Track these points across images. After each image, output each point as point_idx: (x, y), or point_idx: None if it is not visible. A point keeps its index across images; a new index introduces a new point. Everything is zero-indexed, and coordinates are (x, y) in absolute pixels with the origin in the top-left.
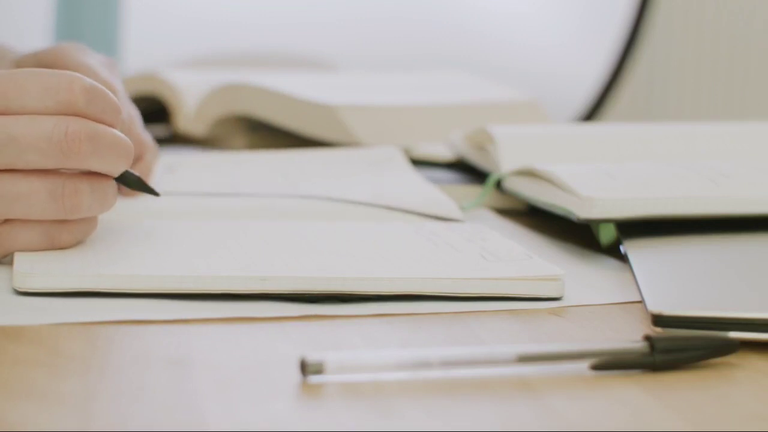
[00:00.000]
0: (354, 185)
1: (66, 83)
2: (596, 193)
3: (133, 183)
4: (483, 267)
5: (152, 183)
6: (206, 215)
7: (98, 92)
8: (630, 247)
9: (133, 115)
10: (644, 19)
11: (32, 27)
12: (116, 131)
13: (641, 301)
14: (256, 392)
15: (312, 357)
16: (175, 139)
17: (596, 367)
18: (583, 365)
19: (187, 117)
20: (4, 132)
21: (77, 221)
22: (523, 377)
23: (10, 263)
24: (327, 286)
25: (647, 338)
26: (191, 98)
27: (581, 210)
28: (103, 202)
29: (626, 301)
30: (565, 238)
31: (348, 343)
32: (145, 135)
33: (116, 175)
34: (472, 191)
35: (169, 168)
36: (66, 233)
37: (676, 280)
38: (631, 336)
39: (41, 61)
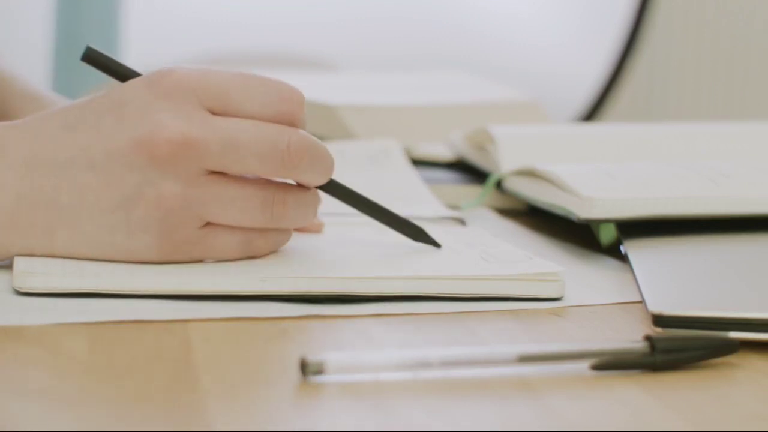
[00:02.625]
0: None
1: (288, 93)
2: (596, 193)
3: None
4: (483, 267)
5: None
6: None
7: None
8: (630, 247)
9: None
10: (644, 19)
11: (32, 27)
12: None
13: (641, 301)
14: (256, 392)
15: (312, 357)
16: None
17: (596, 367)
18: (583, 365)
19: None
20: (230, 135)
21: (274, 231)
22: (523, 377)
23: (10, 263)
24: (327, 287)
25: (647, 338)
26: None
27: (581, 210)
28: (305, 214)
29: (626, 301)
30: (565, 238)
31: (348, 343)
32: None
33: (316, 185)
34: (472, 191)
35: None
36: (262, 241)
37: (676, 280)
38: (631, 336)
39: None
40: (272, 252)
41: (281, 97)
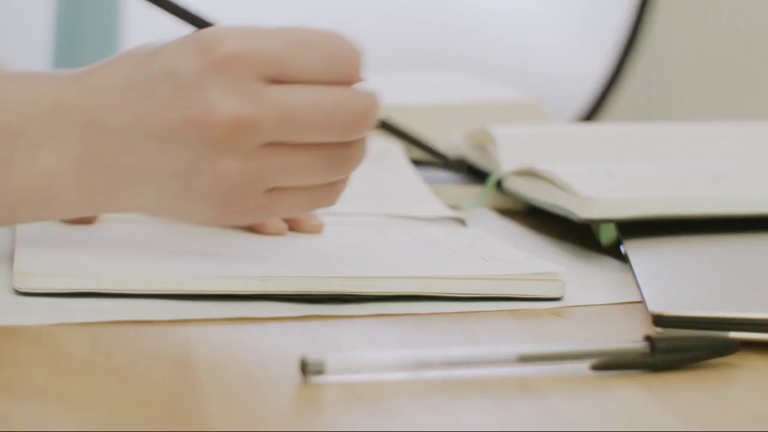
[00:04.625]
0: (352, 196)
1: (347, 53)
2: (596, 193)
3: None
4: (483, 267)
5: None
6: None
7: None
8: (630, 247)
9: None
10: (644, 19)
11: (32, 27)
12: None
13: (641, 301)
14: (256, 392)
15: (313, 357)
16: None
17: (596, 367)
18: (584, 365)
19: None
20: (285, 110)
21: (336, 183)
22: (523, 377)
23: (10, 263)
24: (327, 287)
25: (648, 338)
26: None
27: (581, 210)
28: (360, 160)
29: (626, 301)
30: (565, 238)
31: (348, 343)
32: None
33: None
34: (472, 191)
35: None
36: (323, 194)
37: (676, 280)
38: (631, 336)
39: None
40: (334, 203)
41: (340, 60)
